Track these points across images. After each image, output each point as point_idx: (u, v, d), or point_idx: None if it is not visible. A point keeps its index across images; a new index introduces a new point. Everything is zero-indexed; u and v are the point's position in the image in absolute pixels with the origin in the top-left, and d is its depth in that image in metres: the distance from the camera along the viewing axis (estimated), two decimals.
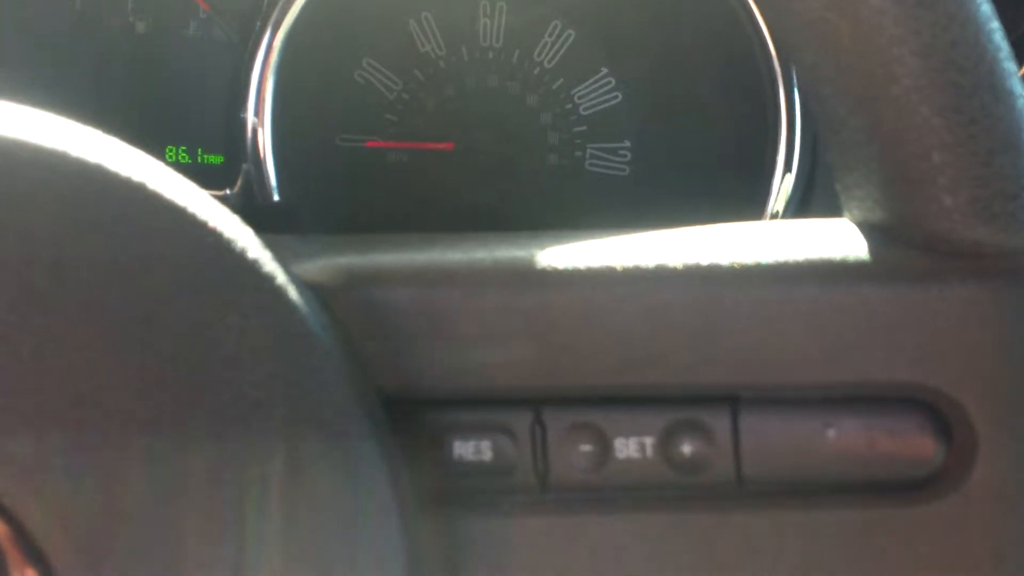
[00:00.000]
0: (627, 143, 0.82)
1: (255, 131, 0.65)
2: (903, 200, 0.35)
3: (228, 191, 0.64)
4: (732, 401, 0.36)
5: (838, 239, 0.37)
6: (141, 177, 0.33)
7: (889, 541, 0.35)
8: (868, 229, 0.37)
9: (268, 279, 0.34)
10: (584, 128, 0.82)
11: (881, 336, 0.35)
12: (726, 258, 0.36)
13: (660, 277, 0.36)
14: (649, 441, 0.36)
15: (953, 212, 0.35)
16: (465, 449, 0.37)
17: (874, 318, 0.35)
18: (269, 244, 0.35)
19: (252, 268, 0.33)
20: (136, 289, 0.33)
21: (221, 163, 0.74)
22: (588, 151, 0.82)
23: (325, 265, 0.37)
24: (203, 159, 0.76)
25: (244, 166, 0.63)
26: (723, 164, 0.79)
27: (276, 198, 0.64)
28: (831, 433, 0.36)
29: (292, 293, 0.34)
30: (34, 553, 0.32)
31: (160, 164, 0.34)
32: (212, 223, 0.33)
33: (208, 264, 0.33)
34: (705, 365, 0.36)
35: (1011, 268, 0.35)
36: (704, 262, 0.36)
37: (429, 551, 0.37)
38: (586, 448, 0.37)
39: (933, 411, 0.36)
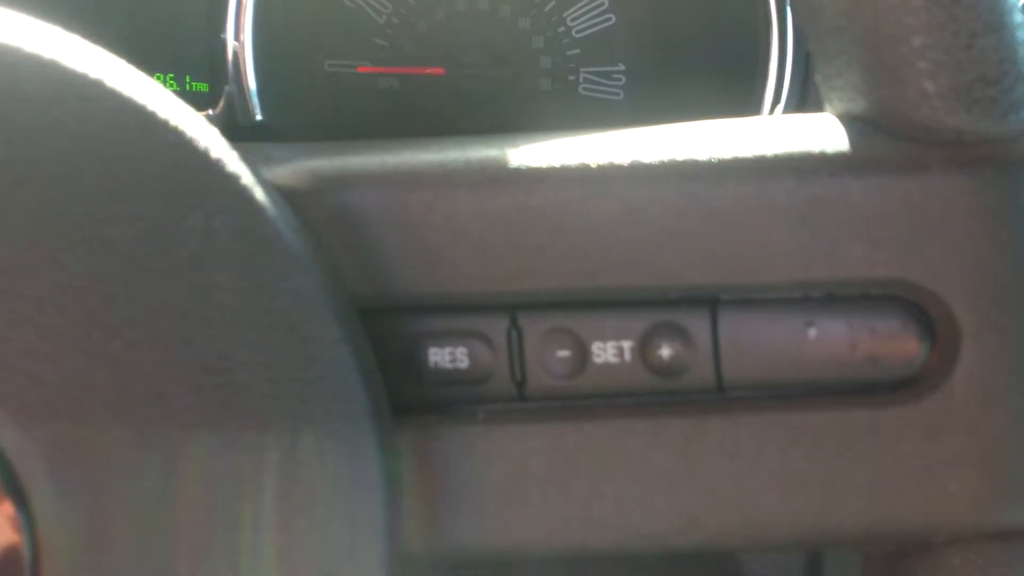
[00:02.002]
0: (621, 66, 0.81)
1: (236, 53, 0.64)
2: (883, 87, 0.34)
3: (211, 112, 0.63)
4: (711, 303, 0.35)
5: (817, 132, 0.36)
6: (99, 73, 0.32)
7: (871, 442, 0.35)
8: (849, 121, 0.36)
9: (232, 179, 0.33)
10: (577, 51, 0.81)
11: (861, 230, 0.34)
12: (703, 154, 0.35)
13: (636, 175, 0.35)
14: (627, 345, 0.36)
15: (934, 98, 0.34)
16: (441, 356, 0.36)
17: (854, 212, 0.34)
18: (240, 150, 0.34)
19: (216, 167, 0.33)
20: (94, 188, 0.32)
21: (207, 90, 0.73)
22: (581, 75, 0.81)
23: (295, 168, 0.36)
24: (191, 87, 0.75)
25: (226, 88, 0.62)
26: (718, 88, 0.78)
27: (259, 118, 0.63)
28: (812, 333, 0.35)
29: (259, 194, 0.33)
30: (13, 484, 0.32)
31: (120, 61, 0.33)
32: (174, 121, 0.33)
33: (169, 163, 0.32)
34: (683, 266, 0.35)
35: (993, 155, 0.34)
36: (680, 158, 0.35)
37: (406, 460, 0.36)
38: (563, 353, 0.36)
39: (915, 308, 0.35)
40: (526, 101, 0.81)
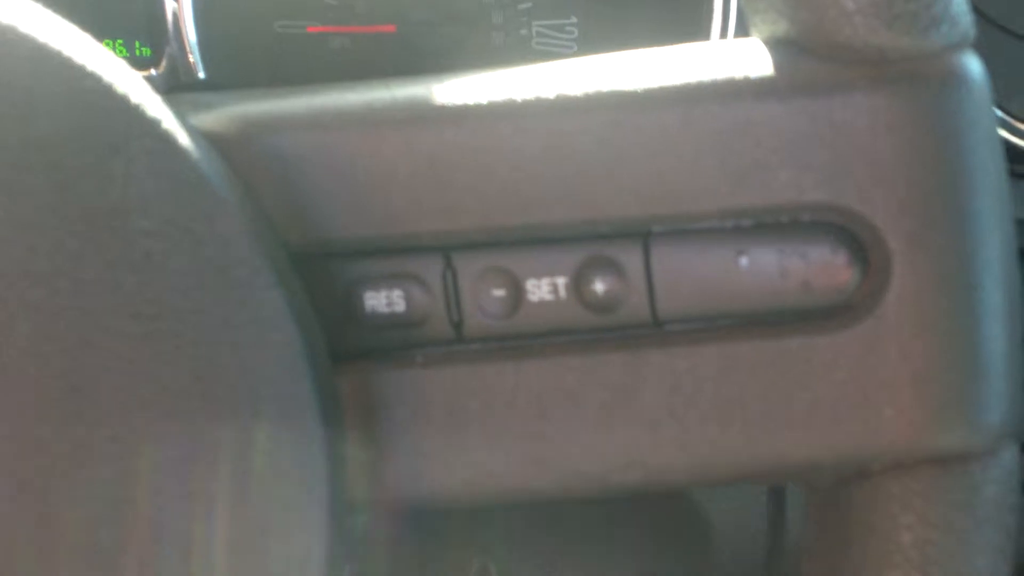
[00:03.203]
0: (574, 19, 0.80)
1: (175, 13, 0.63)
2: (804, 7, 0.34)
3: (153, 72, 0.63)
4: (643, 236, 0.35)
5: (742, 57, 0.35)
6: (12, 19, 0.32)
7: (807, 371, 0.35)
8: (773, 44, 0.36)
9: (154, 123, 0.32)
10: (529, 5, 0.80)
11: (789, 155, 0.34)
12: (629, 83, 0.35)
13: (561, 106, 0.35)
14: (561, 281, 0.36)
15: (855, 15, 0.33)
16: (377, 300, 0.36)
17: (780, 136, 0.34)
18: (167, 99, 0.34)
19: (136, 112, 0.32)
20: (10, 135, 0.31)
21: (151, 54, 0.72)
22: (534, 28, 0.80)
23: (221, 114, 0.36)
24: (140, 52, 0.75)
25: (167, 48, 0.62)
26: (671, 40, 0.78)
27: (202, 75, 0.63)
28: (743, 262, 0.35)
29: (183, 139, 0.33)
30: None
31: (36, 7, 0.33)
32: (91, 66, 0.32)
33: (87, 107, 0.32)
34: (614, 198, 0.35)
35: (917, 72, 0.34)
36: (605, 88, 0.35)
37: (344, 406, 0.36)
38: (499, 293, 0.36)
39: (846, 233, 0.35)
40: (478, 56, 0.80)
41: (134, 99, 0.32)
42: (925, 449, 0.35)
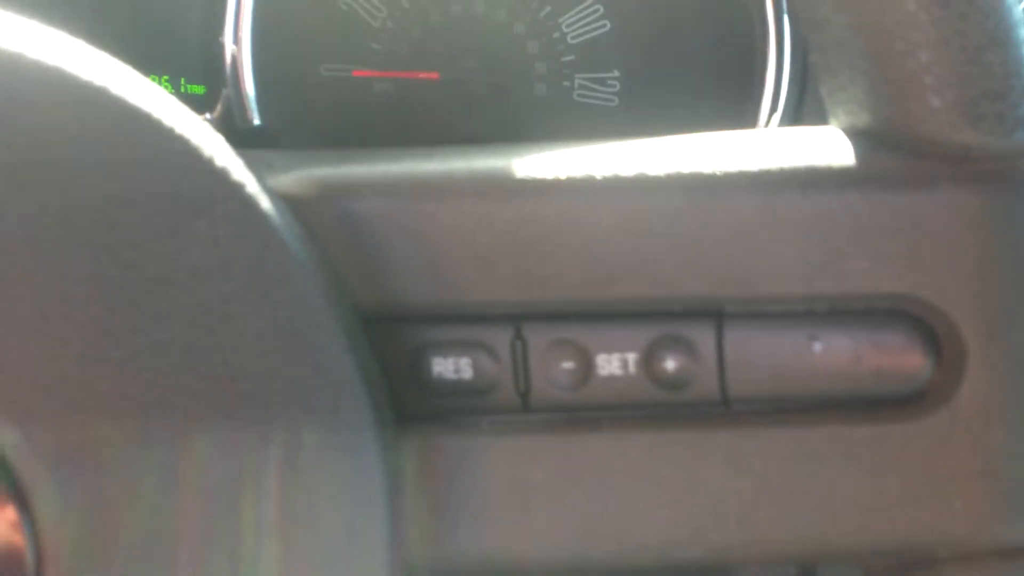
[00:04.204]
0: (616, 72, 0.81)
1: (234, 57, 0.64)
2: (888, 102, 0.34)
3: (208, 115, 0.63)
4: (716, 316, 0.35)
5: (822, 145, 0.36)
6: (103, 80, 0.32)
7: (876, 458, 0.35)
8: (854, 135, 0.36)
9: (238, 187, 0.33)
10: (572, 57, 0.81)
11: (867, 245, 0.34)
12: (708, 166, 0.35)
13: (640, 185, 0.35)
14: (632, 357, 0.36)
15: (940, 113, 0.34)
16: (445, 367, 0.36)
17: (859, 226, 0.34)
18: (243, 157, 0.34)
19: (222, 176, 0.32)
20: (98, 194, 0.32)
21: (203, 93, 0.72)
22: (576, 81, 0.81)
23: (299, 176, 0.36)
24: (186, 89, 0.75)
25: (224, 91, 0.62)
26: (714, 96, 0.78)
27: (257, 122, 0.63)
28: (817, 347, 0.35)
29: (264, 202, 0.33)
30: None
31: (123, 67, 0.33)
32: (179, 129, 0.32)
33: (174, 170, 0.32)
34: (688, 277, 0.35)
35: (1000, 171, 0.34)
36: (686, 170, 0.35)
37: (408, 470, 0.36)
38: (568, 365, 0.36)
39: (921, 323, 0.35)
40: (521, 107, 0.80)
41: (219, 162, 0.33)
42: (993, 541, 0.35)
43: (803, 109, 0.73)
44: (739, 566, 0.64)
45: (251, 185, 0.33)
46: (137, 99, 0.32)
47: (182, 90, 0.75)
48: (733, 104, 0.76)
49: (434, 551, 0.36)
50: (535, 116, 0.81)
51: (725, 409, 0.36)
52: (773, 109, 0.73)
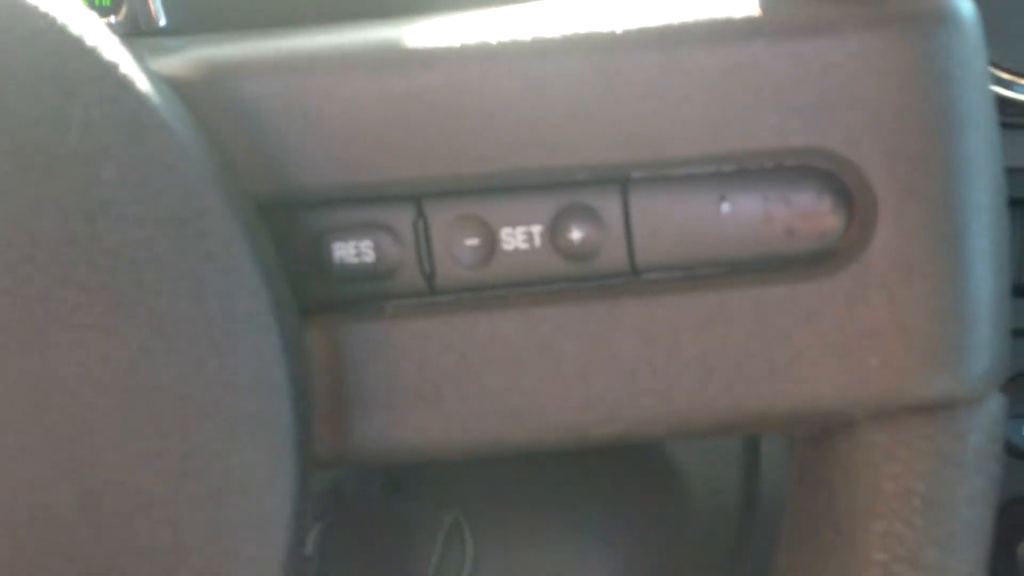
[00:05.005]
0: None
1: None
2: None
3: (112, 19, 0.61)
4: (622, 182, 0.34)
5: None
6: None
7: (790, 319, 0.34)
8: None
9: (111, 67, 0.31)
10: None
11: (775, 98, 0.33)
12: (607, 26, 0.34)
13: (538, 49, 0.34)
14: (537, 230, 0.35)
15: None
16: (346, 251, 0.35)
17: (766, 78, 0.33)
18: (125, 42, 0.32)
19: (92, 55, 0.31)
20: None
21: (110, 3, 0.70)
22: None
23: (183, 58, 0.34)
24: (98, 2, 0.73)
25: None
26: None
27: (162, 23, 0.61)
28: (725, 207, 0.34)
29: (142, 83, 0.31)
30: None
31: None
32: (44, 7, 0.31)
33: (41, 52, 0.30)
34: (591, 144, 0.34)
35: (906, 12, 0.33)
36: (584, 30, 0.34)
37: (313, 360, 0.35)
38: (472, 242, 0.35)
39: (831, 178, 0.34)
40: None
41: (89, 41, 0.31)
42: (911, 398, 0.34)
43: None
44: (669, 446, 0.64)
45: (126, 65, 0.31)
46: None
47: (95, 3, 0.73)
48: None
49: (345, 443, 0.35)
50: (468, 4, 0.79)
51: (635, 278, 0.35)
52: None
